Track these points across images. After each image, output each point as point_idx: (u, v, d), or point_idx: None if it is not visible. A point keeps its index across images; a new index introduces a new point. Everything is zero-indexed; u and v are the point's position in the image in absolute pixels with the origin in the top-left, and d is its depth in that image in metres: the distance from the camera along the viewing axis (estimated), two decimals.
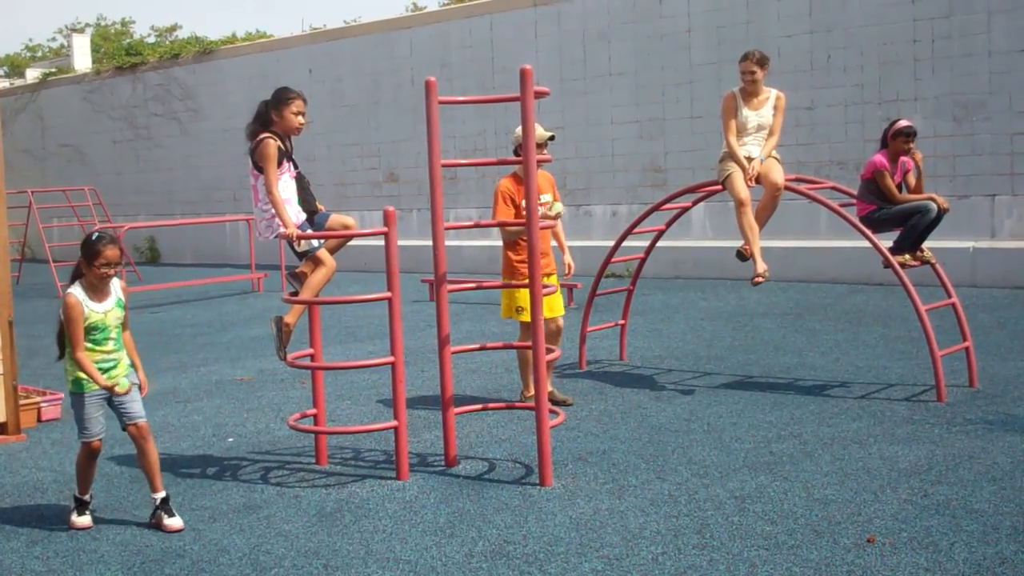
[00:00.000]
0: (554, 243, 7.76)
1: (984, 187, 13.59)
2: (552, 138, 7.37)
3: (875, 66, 14.30)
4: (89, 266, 5.40)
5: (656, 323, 11.37)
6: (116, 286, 5.53)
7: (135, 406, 5.51)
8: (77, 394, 5.47)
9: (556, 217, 7.38)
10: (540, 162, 7.10)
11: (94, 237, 5.44)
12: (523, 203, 7.20)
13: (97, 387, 5.43)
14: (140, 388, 5.61)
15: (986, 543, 4.72)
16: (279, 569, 4.80)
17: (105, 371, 5.44)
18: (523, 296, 7.32)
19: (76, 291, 5.41)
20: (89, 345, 5.41)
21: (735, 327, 10.89)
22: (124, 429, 5.55)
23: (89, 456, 5.54)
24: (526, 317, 7.32)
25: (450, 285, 6.31)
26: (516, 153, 7.36)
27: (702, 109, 15.63)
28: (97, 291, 5.44)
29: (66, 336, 5.43)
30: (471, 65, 18.53)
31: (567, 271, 7.77)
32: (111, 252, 5.38)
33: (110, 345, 5.47)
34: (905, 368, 8.46)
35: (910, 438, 6.46)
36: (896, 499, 5.35)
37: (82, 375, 5.42)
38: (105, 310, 5.43)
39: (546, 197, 7.42)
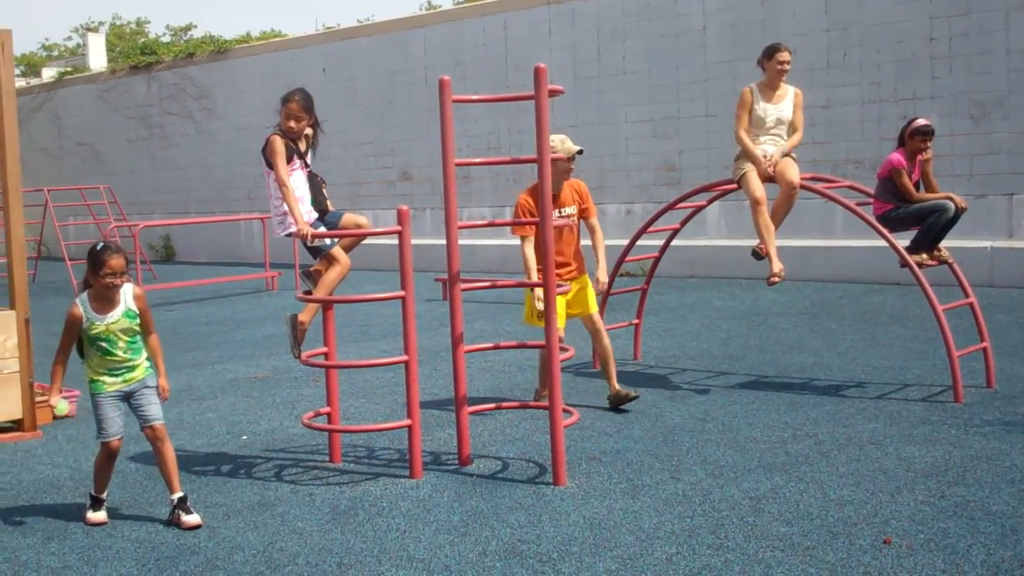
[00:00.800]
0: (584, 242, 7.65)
1: (1002, 186, 13.51)
2: (580, 152, 7.29)
3: (891, 64, 14.23)
4: (95, 276, 5.42)
5: (671, 322, 11.34)
6: (127, 295, 5.51)
7: (151, 409, 5.53)
8: (93, 395, 5.52)
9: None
10: (565, 171, 7.11)
11: (99, 247, 5.44)
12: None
13: (113, 388, 5.48)
14: (160, 392, 5.63)
15: (1004, 545, 4.68)
16: (293, 566, 4.79)
17: (120, 375, 5.49)
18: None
19: (81, 301, 5.47)
20: (99, 353, 5.46)
21: (750, 327, 10.85)
22: (141, 430, 5.58)
23: (108, 456, 5.56)
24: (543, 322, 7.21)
25: (464, 284, 6.29)
26: None
27: (717, 108, 15.59)
28: (103, 300, 5.46)
29: (84, 341, 5.48)
30: (485, 64, 18.52)
31: (599, 286, 7.48)
32: (116, 262, 5.39)
33: (120, 353, 5.49)
34: (922, 368, 8.42)
35: (927, 439, 6.42)
36: (913, 500, 5.31)
37: (97, 377, 5.48)
38: (108, 322, 5.44)
39: (570, 210, 7.36)
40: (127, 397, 5.52)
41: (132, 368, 5.52)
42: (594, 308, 7.53)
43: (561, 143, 7.17)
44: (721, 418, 7.15)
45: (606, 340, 7.55)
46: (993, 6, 13.43)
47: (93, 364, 5.50)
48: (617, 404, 7.47)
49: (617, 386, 7.51)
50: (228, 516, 5.54)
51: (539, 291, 6.75)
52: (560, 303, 7.21)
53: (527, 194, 7.24)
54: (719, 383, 8.29)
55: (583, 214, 7.47)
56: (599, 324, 7.53)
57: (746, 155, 8.00)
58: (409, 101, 19.68)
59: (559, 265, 7.22)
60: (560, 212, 7.28)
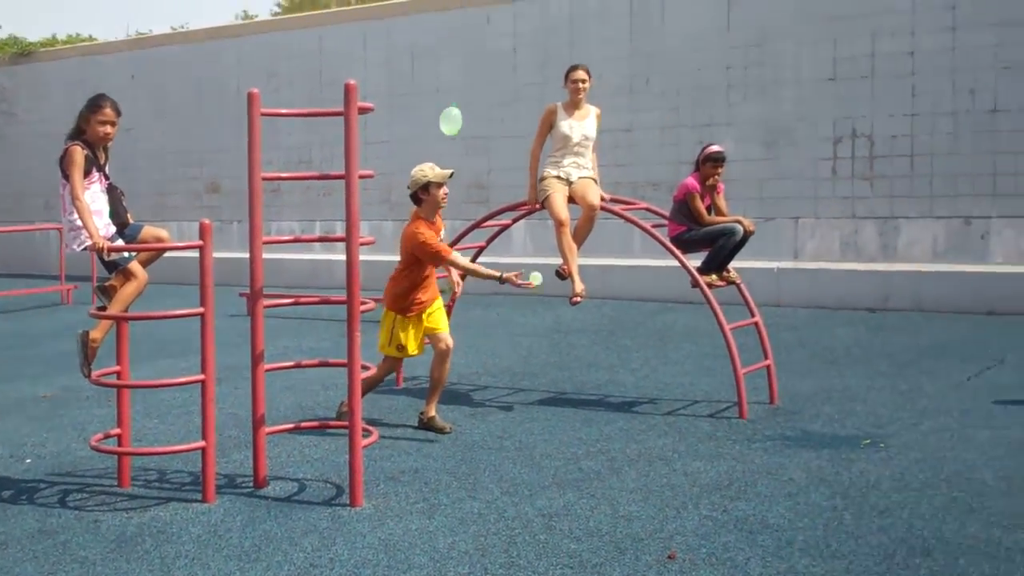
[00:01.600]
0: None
1: (789, 210, 14.24)
2: (452, 175, 7.47)
3: (690, 91, 14.81)
4: None
5: (474, 339, 11.45)
6: None
7: None
8: None
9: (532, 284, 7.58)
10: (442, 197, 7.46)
11: None
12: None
13: None
14: None
15: (779, 557, 4.91)
16: None
17: None
18: (407, 333, 7.37)
19: None
20: None
21: (551, 343, 11.07)
22: None
23: None
24: (402, 353, 7.43)
25: (267, 300, 6.21)
26: (414, 197, 7.37)
27: (525, 129, 15.70)
28: None
29: None
30: (300, 77, 18.33)
31: (455, 289, 8.13)
32: None
33: None
34: (710, 385, 8.77)
35: (712, 454, 6.69)
36: (697, 515, 5.53)
37: None
38: None
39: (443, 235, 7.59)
40: None
41: None
42: (446, 328, 7.61)
43: (431, 169, 7.31)
44: (519, 435, 7.27)
45: (448, 364, 7.53)
46: (784, 39, 14.16)
47: None
48: (427, 428, 7.48)
49: (434, 413, 7.51)
50: (5, 545, 5.27)
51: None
52: (418, 330, 7.49)
53: (424, 226, 7.42)
54: (519, 400, 8.43)
55: None
56: (450, 346, 7.53)
57: (529, 169, 8.42)
58: (220, 111, 19.25)
59: (430, 294, 7.51)
60: (440, 238, 7.52)
